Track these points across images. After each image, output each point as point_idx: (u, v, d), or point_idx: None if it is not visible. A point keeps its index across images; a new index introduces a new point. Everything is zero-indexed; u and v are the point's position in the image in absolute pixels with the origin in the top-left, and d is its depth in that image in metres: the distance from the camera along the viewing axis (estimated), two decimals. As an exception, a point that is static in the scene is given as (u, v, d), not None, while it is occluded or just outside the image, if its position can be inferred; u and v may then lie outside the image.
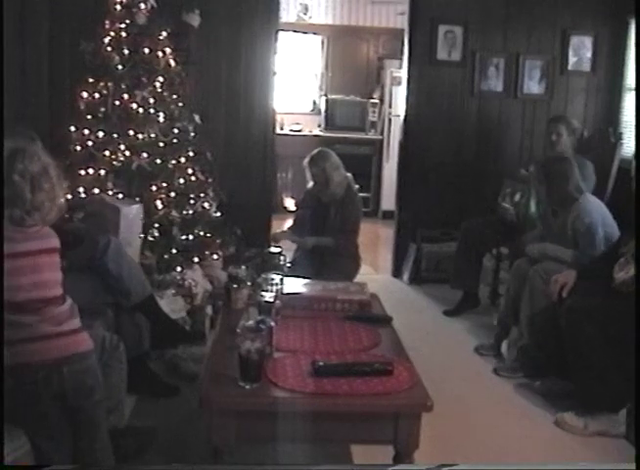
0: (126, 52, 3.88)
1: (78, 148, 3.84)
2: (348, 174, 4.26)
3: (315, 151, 4.26)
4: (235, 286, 3.04)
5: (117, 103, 3.85)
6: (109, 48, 3.88)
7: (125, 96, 3.84)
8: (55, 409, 2.08)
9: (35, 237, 2.13)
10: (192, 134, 4.18)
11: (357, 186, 4.37)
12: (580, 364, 3.13)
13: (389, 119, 7.64)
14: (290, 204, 7.52)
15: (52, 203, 2.14)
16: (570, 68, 5.39)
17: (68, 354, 2.10)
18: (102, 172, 3.77)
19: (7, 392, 2.01)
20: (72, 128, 3.86)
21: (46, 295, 2.11)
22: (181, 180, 3.99)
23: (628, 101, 5.26)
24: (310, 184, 4.29)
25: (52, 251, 2.17)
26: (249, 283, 3.08)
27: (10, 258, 2.04)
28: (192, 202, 4.07)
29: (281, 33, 5.41)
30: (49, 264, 2.14)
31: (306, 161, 4.20)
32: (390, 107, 7.62)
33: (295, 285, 3.22)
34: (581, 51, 5.37)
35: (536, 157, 5.19)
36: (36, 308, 2.08)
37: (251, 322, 2.40)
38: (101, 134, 3.82)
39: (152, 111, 3.89)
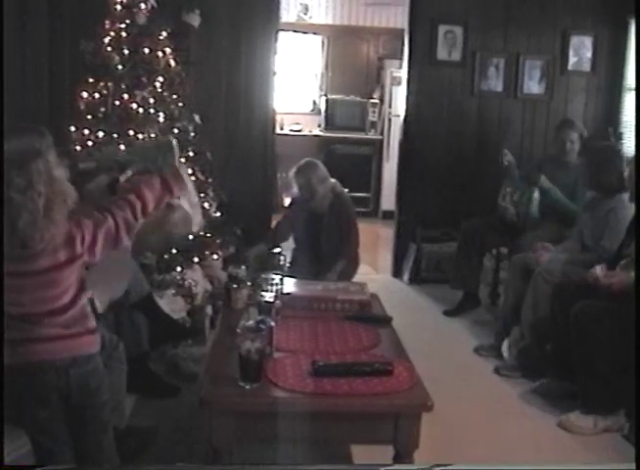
0: (126, 52, 3.88)
1: (78, 148, 3.84)
2: (333, 180, 4.24)
3: (302, 162, 4.25)
4: (235, 286, 3.04)
5: (117, 103, 3.84)
6: (109, 48, 3.87)
7: (125, 96, 3.84)
8: (61, 409, 2.06)
9: (43, 255, 1.98)
10: (192, 134, 4.17)
11: (353, 187, 4.36)
12: (589, 367, 3.13)
13: (389, 119, 7.64)
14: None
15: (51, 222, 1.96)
16: (570, 68, 5.39)
17: (74, 355, 2.05)
18: (102, 172, 3.77)
19: (14, 391, 2.00)
20: (72, 128, 3.86)
21: (48, 308, 2.02)
22: (181, 180, 3.98)
23: (628, 101, 5.27)
24: (295, 194, 4.27)
25: (61, 266, 2.01)
26: (249, 283, 3.08)
27: (12, 277, 1.94)
28: (192, 202, 4.07)
29: (281, 33, 5.42)
30: (55, 280, 2.02)
31: (293, 171, 4.19)
32: (390, 107, 7.62)
33: (295, 285, 3.22)
34: (581, 51, 5.37)
35: (536, 157, 5.19)
36: (38, 319, 2.02)
37: (251, 322, 2.40)
38: (101, 134, 3.81)
39: (152, 111, 3.88)
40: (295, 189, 4.24)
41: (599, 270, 3.26)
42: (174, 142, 2.47)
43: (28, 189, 1.91)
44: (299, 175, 4.14)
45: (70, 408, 2.07)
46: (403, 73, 5.45)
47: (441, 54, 5.27)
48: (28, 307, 2.00)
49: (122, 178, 2.47)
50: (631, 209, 3.61)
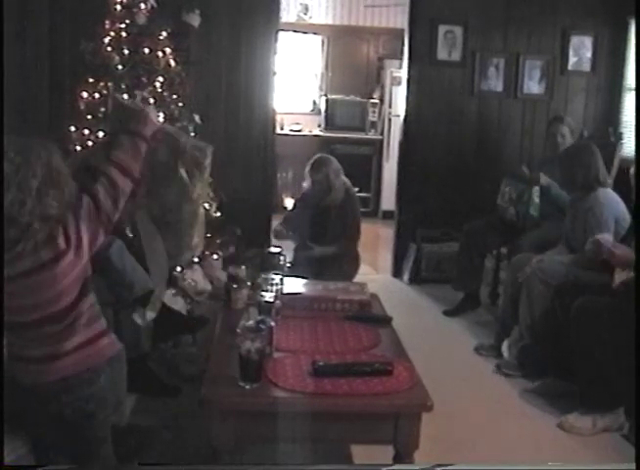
0: (126, 52, 3.88)
1: (78, 148, 3.84)
2: (346, 180, 4.28)
3: (316, 157, 4.28)
4: (235, 286, 3.04)
5: (117, 103, 3.85)
6: (109, 48, 3.87)
7: (125, 96, 3.84)
8: (54, 423, 1.98)
9: (23, 255, 1.82)
10: (192, 134, 4.17)
11: (356, 189, 4.40)
12: (588, 364, 3.12)
13: (389, 119, 7.64)
14: (290, 204, 7.52)
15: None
16: (570, 68, 5.39)
17: (66, 376, 1.91)
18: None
19: (9, 397, 1.95)
20: (72, 128, 3.86)
21: (42, 315, 1.87)
22: (181, 180, 3.98)
23: (628, 101, 5.27)
24: (306, 188, 4.28)
25: (45, 265, 1.83)
26: (249, 283, 3.08)
27: None
28: (192, 202, 4.07)
29: (281, 33, 5.41)
30: (42, 282, 1.85)
31: (308, 168, 4.21)
32: (390, 107, 7.62)
33: (295, 285, 3.22)
34: (581, 51, 5.37)
35: (536, 157, 5.20)
36: (29, 328, 1.89)
37: (251, 322, 2.40)
38: (101, 134, 3.81)
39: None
40: (307, 184, 4.26)
41: (604, 238, 3.23)
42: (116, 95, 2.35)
43: (23, 166, 1.80)
44: (316, 170, 4.16)
45: (65, 424, 1.98)
46: (403, 73, 5.45)
47: (441, 54, 5.28)
48: (17, 315, 1.87)
49: None
50: (609, 206, 3.62)
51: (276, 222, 5.34)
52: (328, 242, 4.17)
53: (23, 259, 1.83)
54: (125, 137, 2.10)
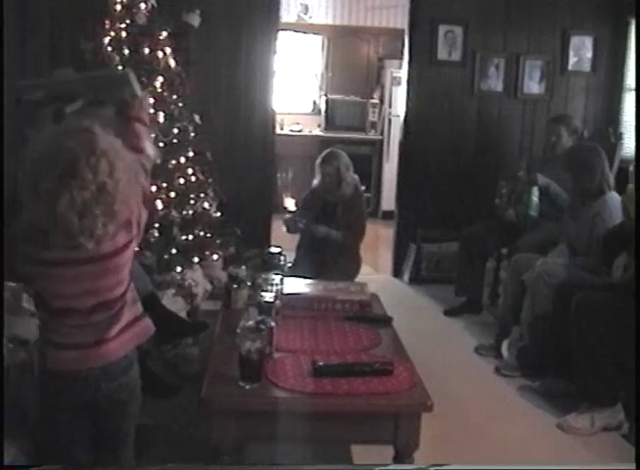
0: (126, 52, 3.88)
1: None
2: (355, 176, 4.30)
3: (327, 151, 4.31)
4: (235, 286, 3.04)
5: (117, 103, 3.84)
6: (109, 48, 3.87)
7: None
8: (83, 414, 1.93)
9: (104, 239, 1.78)
10: (192, 134, 4.17)
11: (363, 187, 4.43)
12: (587, 360, 3.12)
13: (389, 119, 7.64)
14: (290, 204, 7.50)
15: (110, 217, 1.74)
16: (570, 68, 5.39)
17: (105, 364, 1.87)
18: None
19: (36, 390, 1.93)
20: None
21: (99, 301, 1.84)
22: (181, 180, 3.99)
23: (628, 101, 5.27)
24: (316, 183, 4.29)
25: (120, 249, 1.83)
26: (249, 283, 3.08)
27: (56, 266, 1.78)
28: (192, 202, 4.07)
29: (281, 33, 5.42)
30: (112, 267, 1.83)
31: (318, 161, 4.23)
32: (390, 107, 7.62)
33: (295, 285, 3.22)
34: (581, 51, 5.37)
35: (536, 157, 5.20)
36: (82, 315, 1.83)
37: (251, 322, 2.40)
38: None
39: (152, 111, 3.88)
40: (316, 180, 4.27)
41: None
42: (132, 74, 2.24)
43: (110, 152, 1.72)
44: (327, 164, 4.19)
45: (94, 415, 1.94)
46: (403, 73, 5.45)
47: (441, 54, 5.28)
48: (76, 301, 1.82)
49: (69, 109, 2.12)
50: (616, 210, 3.58)
51: (276, 222, 5.36)
52: (329, 245, 4.17)
53: (102, 243, 1.78)
54: (137, 124, 2.04)
